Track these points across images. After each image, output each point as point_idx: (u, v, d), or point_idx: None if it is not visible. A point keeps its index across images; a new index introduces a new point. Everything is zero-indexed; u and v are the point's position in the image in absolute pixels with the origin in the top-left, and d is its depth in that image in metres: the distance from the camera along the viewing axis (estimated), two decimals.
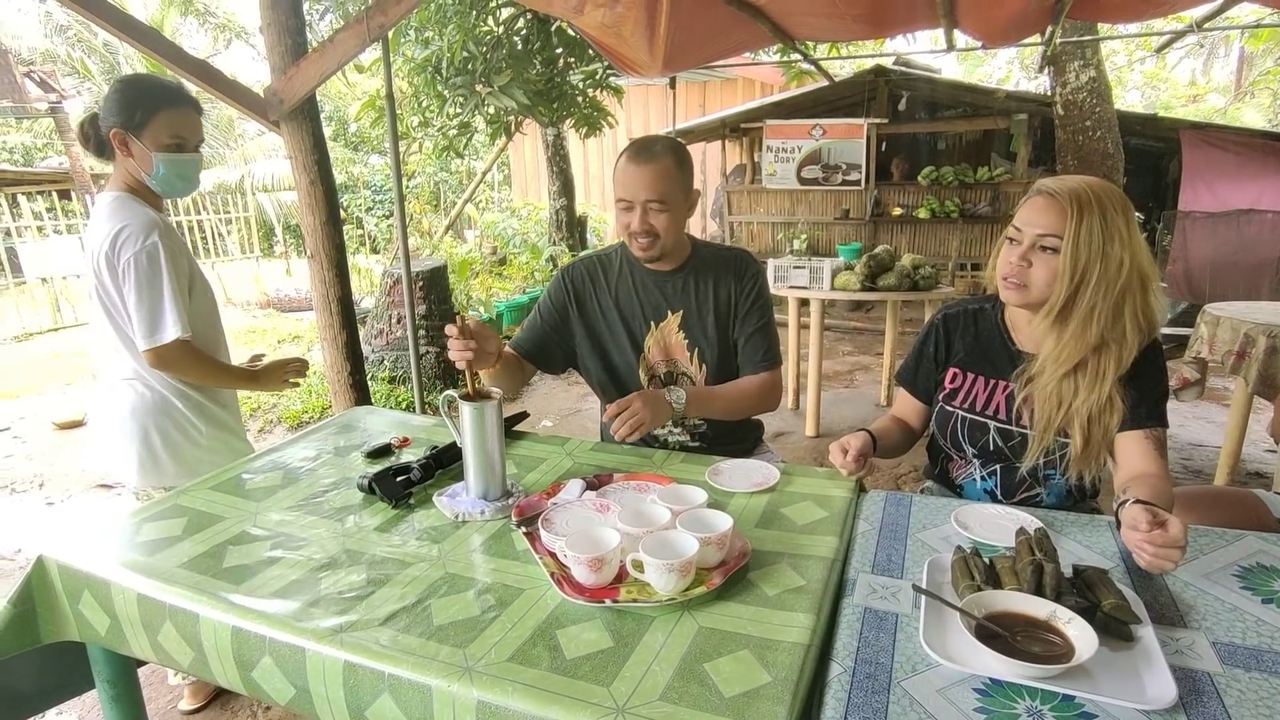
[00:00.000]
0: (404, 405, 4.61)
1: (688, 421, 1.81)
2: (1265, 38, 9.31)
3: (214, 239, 9.86)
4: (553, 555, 1.17)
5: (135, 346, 1.75)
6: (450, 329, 1.39)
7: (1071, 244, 1.25)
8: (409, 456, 1.60)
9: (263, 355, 2.09)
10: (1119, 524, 1.14)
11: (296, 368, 2.04)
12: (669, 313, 1.77)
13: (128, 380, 1.84)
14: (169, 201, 1.87)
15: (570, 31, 4.51)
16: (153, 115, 1.73)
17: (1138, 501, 1.09)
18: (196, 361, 1.81)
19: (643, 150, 1.65)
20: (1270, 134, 6.74)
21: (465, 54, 4.38)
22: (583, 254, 1.85)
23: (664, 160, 1.63)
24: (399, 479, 1.42)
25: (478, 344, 1.41)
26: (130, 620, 1.16)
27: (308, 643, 1.01)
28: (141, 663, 1.36)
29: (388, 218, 13.56)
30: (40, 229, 8.46)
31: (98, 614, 1.20)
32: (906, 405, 1.62)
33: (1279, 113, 13.57)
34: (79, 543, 1.27)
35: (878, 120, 7.61)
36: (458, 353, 1.40)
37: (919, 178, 7.66)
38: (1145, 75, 17.04)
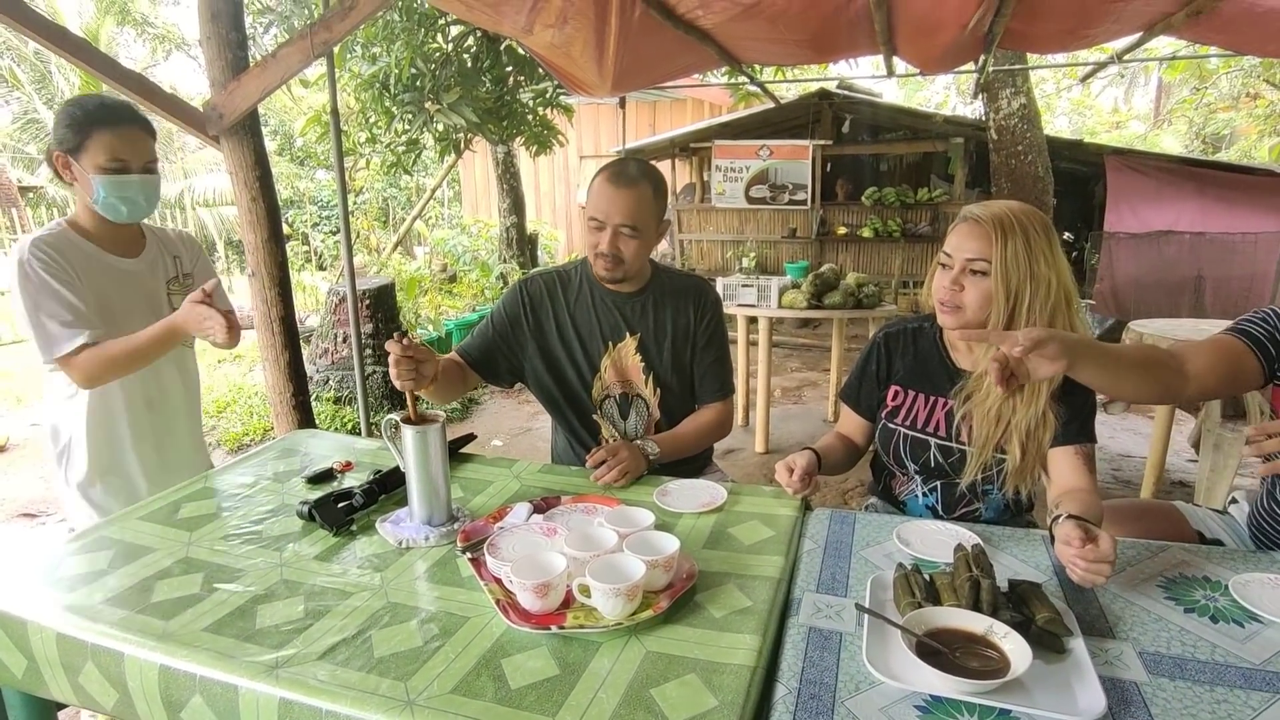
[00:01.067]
0: (350, 426, 4.50)
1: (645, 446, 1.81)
2: (1181, 68, 9.89)
3: None
4: (498, 581, 1.15)
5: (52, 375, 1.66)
6: (392, 345, 1.34)
7: (1000, 266, 1.31)
8: (351, 481, 1.56)
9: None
10: (1053, 539, 1.18)
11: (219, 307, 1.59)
12: (627, 334, 1.77)
13: (62, 404, 1.73)
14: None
15: (520, 50, 4.52)
16: (88, 136, 1.61)
17: (1070, 517, 1.13)
18: (115, 356, 1.60)
19: (621, 174, 1.64)
20: (1187, 159, 7.14)
21: (414, 71, 4.35)
22: (541, 269, 1.84)
23: (641, 187, 1.64)
24: (340, 505, 1.39)
25: (415, 361, 1.37)
26: (49, 661, 1.10)
27: (241, 679, 0.97)
28: (63, 705, 1.28)
29: (334, 234, 13.29)
30: None
31: (13, 655, 1.13)
32: (850, 422, 1.65)
33: (1194, 138, 14.38)
34: None
35: (822, 142, 7.81)
36: (398, 371, 1.35)
37: (863, 198, 7.87)
38: (1072, 102, 17.87)
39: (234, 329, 1.56)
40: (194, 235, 1.70)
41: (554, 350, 1.79)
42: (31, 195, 12.45)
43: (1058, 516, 1.17)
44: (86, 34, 12.88)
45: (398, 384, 1.36)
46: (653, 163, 1.83)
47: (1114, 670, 0.96)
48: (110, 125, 1.64)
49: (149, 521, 1.41)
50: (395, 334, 1.38)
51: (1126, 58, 4.34)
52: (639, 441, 1.65)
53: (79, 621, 1.09)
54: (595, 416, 1.82)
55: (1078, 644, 0.98)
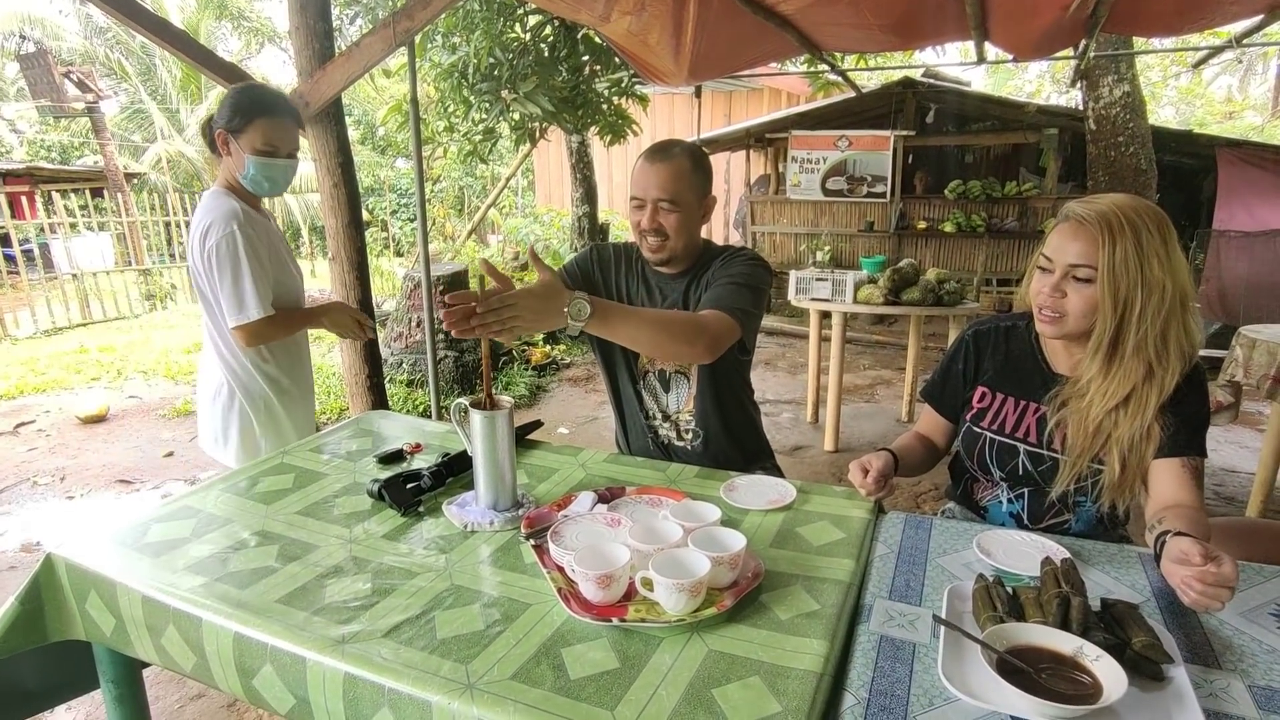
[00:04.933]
0: (421, 409, 4.62)
1: (680, 423, 1.78)
2: None
3: None
4: (561, 570, 1.14)
5: (224, 332, 1.95)
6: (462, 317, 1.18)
7: (1108, 273, 1.20)
8: (420, 463, 1.59)
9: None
10: (1156, 556, 1.09)
11: (360, 317, 2.19)
12: None
13: (220, 366, 2.00)
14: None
15: (597, 39, 4.51)
16: (250, 121, 1.86)
17: (1182, 534, 1.04)
18: (278, 327, 1.96)
19: (660, 150, 1.65)
20: None
21: (491, 60, 4.40)
22: (612, 241, 1.84)
23: (679, 160, 1.62)
24: (409, 486, 1.41)
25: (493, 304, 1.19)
26: (135, 622, 1.15)
27: (309, 652, 0.99)
28: (147, 664, 1.35)
29: (412, 221, 13.69)
30: (73, 225, 8.63)
31: (103, 614, 1.19)
32: (932, 422, 1.57)
33: None
34: (87, 542, 1.27)
35: (904, 133, 7.54)
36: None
37: (945, 191, 7.58)
38: (1180, 90, 16.77)
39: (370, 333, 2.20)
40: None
41: None
42: (135, 181, 13.26)
43: (1164, 533, 1.08)
44: (187, 27, 13.60)
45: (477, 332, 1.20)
46: (703, 147, 1.76)
47: (1219, 704, 0.88)
48: (269, 114, 1.88)
49: (230, 493, 1.46)
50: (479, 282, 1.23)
51: (1245, 42, 4.02)
52: (568, 292, 1.29)
53: (162, 586, 1.13)
54: (639, 387, 1.81)
55: (1179, 673, 0.90)
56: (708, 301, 1.59)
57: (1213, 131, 11.24)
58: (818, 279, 3.92)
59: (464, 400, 1.37)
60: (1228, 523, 1.53)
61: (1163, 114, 16.41)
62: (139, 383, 5.52)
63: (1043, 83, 16.52)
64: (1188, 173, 7.35)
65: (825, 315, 4.13)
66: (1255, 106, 17.12)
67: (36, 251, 8.42)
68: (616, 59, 4.61)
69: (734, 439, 1.80)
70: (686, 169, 1.63)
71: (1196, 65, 6.21)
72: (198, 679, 1.12)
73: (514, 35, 4.59)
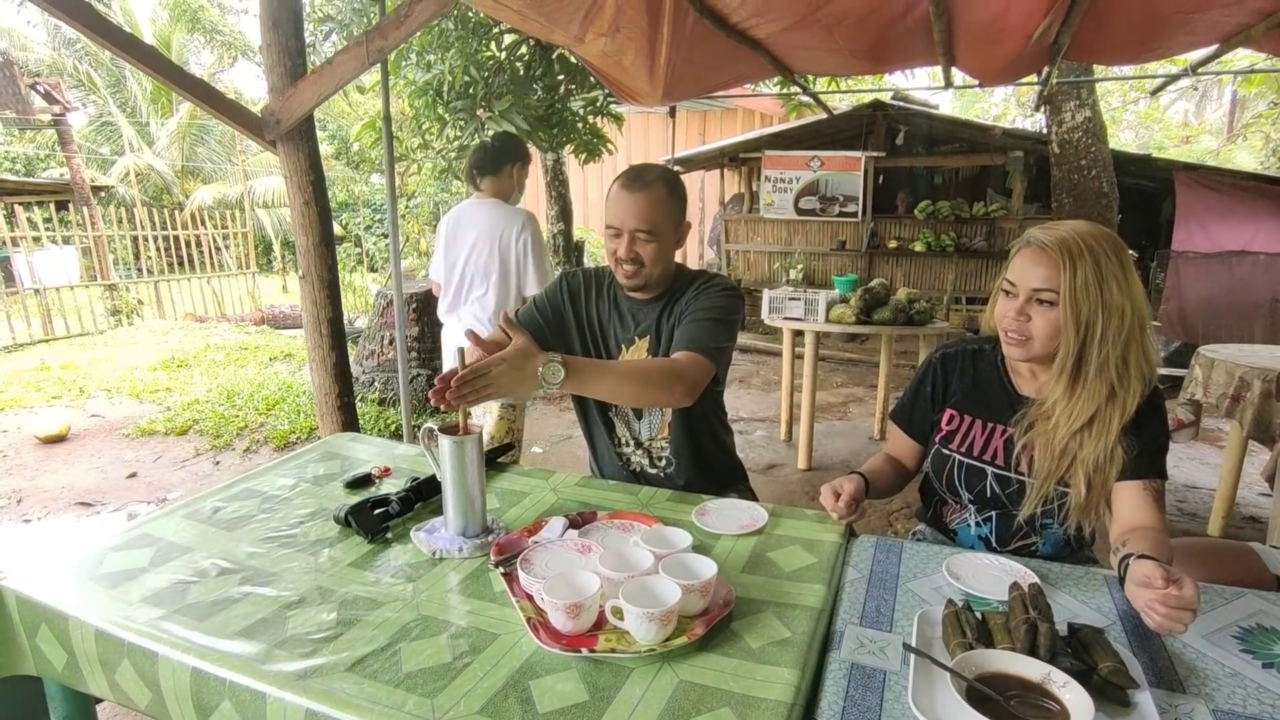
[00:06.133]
0: (393, 428, 4.56)
1: (653, 450, 1.77)
2: (1258, 82, 9.44)
3: (211, 253, 9.84)
4: (530, 598, 1.12)
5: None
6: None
7: (1069, 296, 1.23)
8: (389, 487, 1.56)
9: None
10: (1121, 579, 1.10)
11: None
12: (637, 339, 1.74)
13: None
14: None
15: (572, 59, 4.53)
16: (526, 162, 3.03)
17: (1143, 557, 1.05)
18: None
19: (636, 178, 1.62)
20: (1263, 177, 6.80)
21: (466, 78, 4.39)
22: (582, 267, 1.83)
23: (656, 189, 1.61)
24: (377, 511, 1.38)
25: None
26: (88, 657, 1.11)
27: (269, 688, 0.96)
28: (100, 699, 1.30)
29: (386, 236, 13.60)
30: (37, 239, 8.43)
31: (55, 649, 1.15)
32: (901, 444, 1.59)
33: (1271, 155, 13.73)
34: (39, 572, 1.22)
35: (875, 154, 7.67)
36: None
37: (915, 211, 7.71)
38: (1139, 115, 17.25)
39: None
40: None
41: (584, 345, 1.79)
42: (103, 194, 13.02)
43: (1127, 556, 1.10)
44: (159, 41, 13.47)
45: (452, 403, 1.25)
46: (673, 167, 1.77)
47: None
48: (528, 159, 3.10)
49: (191, 520, 1.43)
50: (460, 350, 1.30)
51: (1201, 70, 4.15)
52: (541, 354, 1.31)
53: (117, 619, 1.10)
54: (611, 415, 1.79)
55: (1144, 698, 0.91)
56: (681, 340, 1.58)
57: (1171, 155, 11.59)
58: (790, 298, 3.95)
59: (432, 424, 1.35)
60: (1189, 543, 1.55)
61: (1123, 137, 16.87)
62: (102, 401, 5.38)
63: (1008, 106, 16.91)
64: (1148, 195, 7.56)
65: (798, 334, 4.16)
66: (1211, 131, 17.67)
67: None
68: (591, 78, 4.64)
69: (707, 465, 1.79)
70: (663, 197, 1.62)
71: (1155, 92, 6.40)
72: (152, 716, 1.09)
73: (489, 54, 4.59)
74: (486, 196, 2.92)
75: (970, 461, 1.43)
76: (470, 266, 2.89)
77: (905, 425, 1.57)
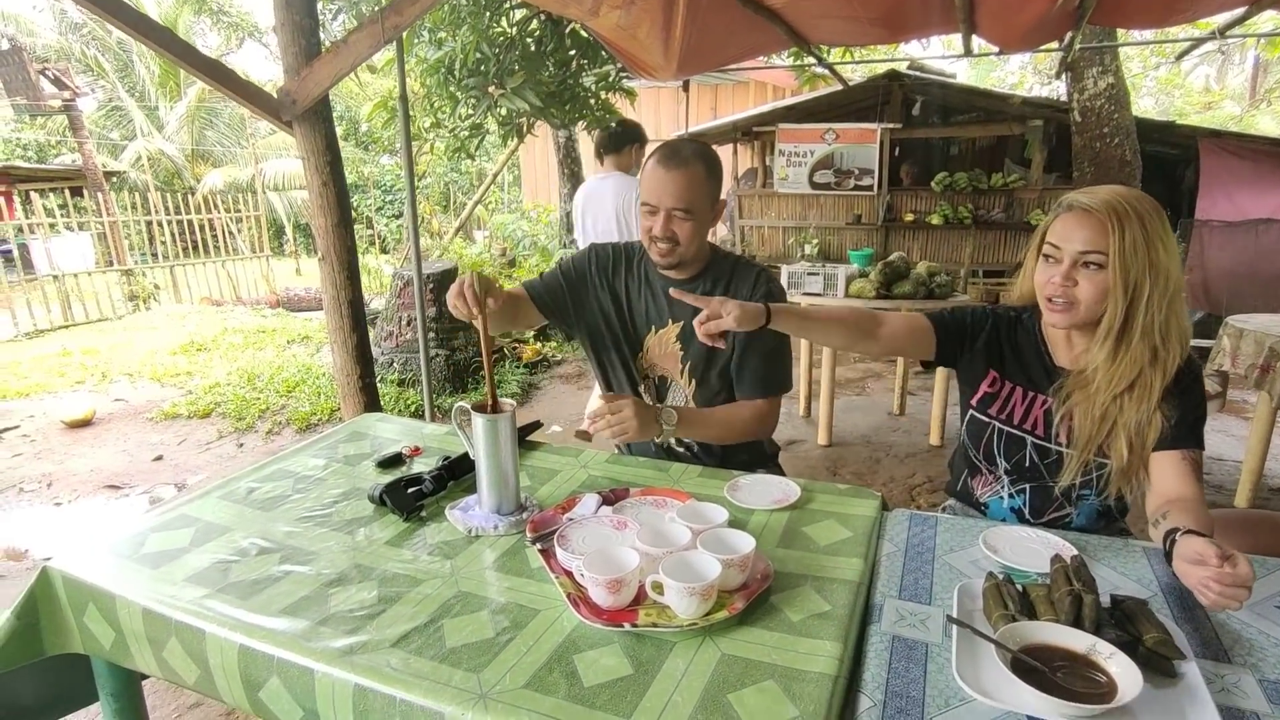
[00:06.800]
0: (413, 409, 4.59)
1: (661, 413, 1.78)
2: None
3: (224, 237, 9.87)
4: (568, 574, 1.13)
5: None
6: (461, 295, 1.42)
7: (1118, 258, 1.21)
8: (420, 466, 1.57)
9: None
10: (1167, 554, 1.09)
11: None
12: (669, 321, 1.73)
13: None
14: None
15: (584, 33, 4.47)
16: (644, 142, 3.59)
17: (1191, 532, 1.04)
18: None
19: (673, 155, 1.60)
20: None
21: (478, 55, 4.35)
22: (609, 242, 1.83)
23: (694, 167, 1.59)
24: (410, 490, 1.39)
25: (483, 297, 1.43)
26: (135, 635, 1.13)
27: (317, 664, 0.97)
28: (146, 675, 1.33)
29: (397, 218, 13.60)
30: (52, 225, 8.49)
31: (102, 627, 1.17)
32: (911, 324, 1.49)
33: None
34: (84, 553, 1.24)
35: (891, 125, 7.56)
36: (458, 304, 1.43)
37: (932, 183, 7.60)
38: (1159, 81, 16.90)
39: None
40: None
41: (608, 318, 1.78)
42: (115, 180, 13.08)
43: (1172, 530, 1.09)
44: (166, 22, 13.39)
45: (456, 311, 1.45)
46: (708, 143, 1.75)
47: (1231, 699, 0.89)
48: (644, 141, 3.67)
49: (227, 501, 1.44)
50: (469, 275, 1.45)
51: (1229, 34, 4.05)
52: (658, 406, 1.59)
53: (163, 598, 1.11)
54: (640, 390, 1.79)
55: (1190, 668, 0.91)
56: (755, 381, 1.70)
57: (1191, 121, 11.35)
58: (809, 273, 3.92)
59: (465, 403, 1.35)
60: (1227, 514, 1.54)
61: (1143, 104, 16.55)
62: (124, 385, 5.44)
63: (1025, 74, 16.61)
64: (1169, 163, 7.42)
65: None
66: (1233, 96, 17.29)
67: (15, 252, 8.27)
68: (603, 53, 4.58)
69: (731, 448, 1.79)
70: (701, 176, 1.60)
71: (1180, 57, 6.25)
72: (200, 692, 1.11)
73: (500, 30, 4.54)
74: (609, 170, 3.60)
75: (1010, 430, 1.42)
76: (601, 228, 3.58)
77: (939, 322, 1.47)
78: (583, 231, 3.75)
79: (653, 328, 1.75)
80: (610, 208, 3.54)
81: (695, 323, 1.33)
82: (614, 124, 3.80)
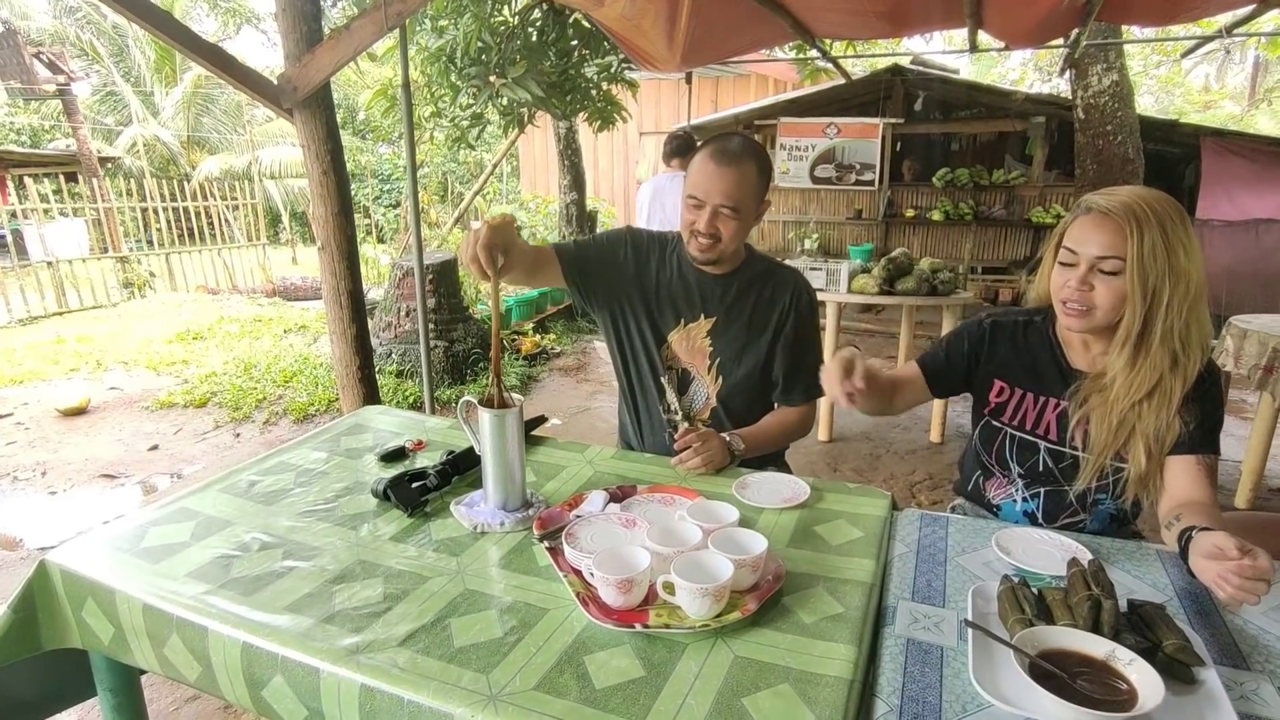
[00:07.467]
0: (411, 400, 4.56)
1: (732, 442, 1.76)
2: None
3: (220, 225, 9.80)
4: (577, 573, 1.11)
5: None
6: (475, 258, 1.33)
7: (1136, 263, 1.18)
8: (424, 460, 1.55)
9: None
10: (1182, 553, 1.08)
11: None
12: (701, 316, 1.71)
13: None
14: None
15: (586, 24, 4.44)
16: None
17: (1206, 529, 1.03)
18: None
19: (725, 150, 1.56)
20: None
21: (480, 44, 4.31)
22: (642, 228, 1.81)
23: (746, 165, 1.56)
24: (414, 485, 1.37)
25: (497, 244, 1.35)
26: (135, 630, 1.11)
27: (322, 663, 0.96)
28: (144, 671, 1.31)
29: (394, 207, 13.52)
30: (46, 211, 8.41)
31: (101, 623, 1.15)
32: (910, 379, 1.51)
33: None
34: (82, 547, 1.22)
35: (893, 120, 7.53)
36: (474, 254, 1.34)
37: (933, 179, 7.58)
38: (1159, 80, 16.89)
39: None
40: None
41: (633, 302, 1.74)
42: (110, 165, 12.96)
43: (1188, 529, 1.07)
44: (163, 7, 13.25)
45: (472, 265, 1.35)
46: (759, 144, 1.72)
47: (1250, 706, 0.88)
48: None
49: (228, 494, 1.42)
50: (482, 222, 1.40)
51: (1236, 32, 4.03)
52: (725, 435, 1.60)
53: (164, 593, 1.09)
54: (662, 380, 1.76)
55: (1210, 675, 0.89)
56: (799, 387, 1.76)
57: (1191, 120, 11.33)
58: (812, 268, 3.90)
59: (471, 398, 1.33)
60: (1233, 517, 1.53)
61: (1143, 103, 16.51)
62: (119, 373, 5.40)
63: (1026, 70, 16.58)
64: (1169, 161, 7.41)
65: (819, 304, 4.11)
66: (1232, 95, 17.29)
67: (9, 238, 8.19)
68: (605, 44, 4.54)
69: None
70: (752, 175, 1.57)
71: (1185, 55, 6.23)
72: (202, 689, 1.09)
73: (502, 19, 4.50)
74: (677, 170, 4.10)
75: (1023, 435, 1.40)
76: (667, 217, 4.05)
77: (927, 371, 1.50)
78: (647, 220, 4.20)
79: (681, 320, 1.72)
80: (676, 201, 3.73)
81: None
82: (681, 130, 4.46)
